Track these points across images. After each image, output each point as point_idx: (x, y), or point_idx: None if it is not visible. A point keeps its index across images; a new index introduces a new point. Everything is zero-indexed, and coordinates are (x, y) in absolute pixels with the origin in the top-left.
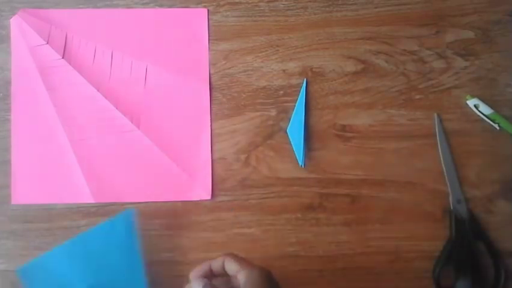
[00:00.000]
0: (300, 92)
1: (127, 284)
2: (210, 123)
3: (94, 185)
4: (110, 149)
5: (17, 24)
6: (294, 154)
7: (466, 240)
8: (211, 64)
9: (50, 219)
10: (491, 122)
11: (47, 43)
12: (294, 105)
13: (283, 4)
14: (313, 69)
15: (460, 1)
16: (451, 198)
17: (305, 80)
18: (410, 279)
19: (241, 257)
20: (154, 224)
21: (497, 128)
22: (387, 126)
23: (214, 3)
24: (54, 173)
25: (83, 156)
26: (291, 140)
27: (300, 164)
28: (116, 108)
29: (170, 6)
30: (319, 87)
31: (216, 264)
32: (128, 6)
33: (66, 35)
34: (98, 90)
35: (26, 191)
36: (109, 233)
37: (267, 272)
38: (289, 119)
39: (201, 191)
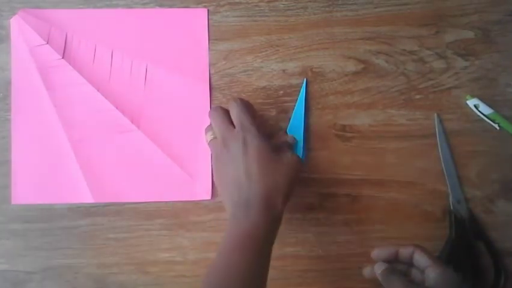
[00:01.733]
0: (299, 92)
1: None
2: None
3: (94, 185)
4: (110, 149)
5: (17, 24)
6: None
7: (466, 240)
8: (211, 64)
9: (50, 219)
10: (491, 122)
11: (47, 43)
12: (294, 105)
13: (283, 4)
14: (313, 69)
15: (460, 1)
16: (451, 198)
17: (305, 79)
18: None
19: (431, 253)
20: (155, 224)
21: (497, 128)
22: (387, 126)
23: (214, 3)
24: (54, 173)
25: (83, 156)
26: None
27: None
28: (116, 108)
29: (170, 6)
30: (319, 87)
31: (404, 251)
32: (128, 6)
33: (66, 35)
34: (98, 90)
35: (26, 191)
36: None
37: (459, 277)
38: (290, 119)
39: (201, 191)
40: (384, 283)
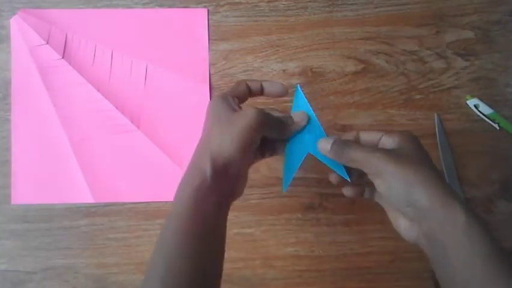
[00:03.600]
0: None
1: None
2: None
3: (94, 185)
4: (110, 149)
5: (17, 24)
6: None
7: None
8: (211, 64)
9: (50, 219)
10: (491, 122)
11: (47, 43)
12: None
13: (283, 4)
14: (313, 69)
15: (460, 1)
16: None
17: (298, 85)
18: (409, 279)
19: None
20: (154, 224)
21: (497, 128)
22: (387, 126)
23: (214, 3)
24: (55, 173)
25: (83, 156)
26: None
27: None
28: (116, 108)
29: (170, 6)
30: (319, 87)
31: (348, 136)
32: (128, 6)
33: (66, 35)
34: (98, 90)
35: (26, 191)
36: None
37: (417, 138)
38: None
39: None
40: (342, 156)
